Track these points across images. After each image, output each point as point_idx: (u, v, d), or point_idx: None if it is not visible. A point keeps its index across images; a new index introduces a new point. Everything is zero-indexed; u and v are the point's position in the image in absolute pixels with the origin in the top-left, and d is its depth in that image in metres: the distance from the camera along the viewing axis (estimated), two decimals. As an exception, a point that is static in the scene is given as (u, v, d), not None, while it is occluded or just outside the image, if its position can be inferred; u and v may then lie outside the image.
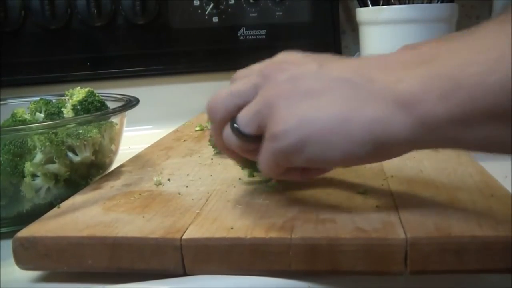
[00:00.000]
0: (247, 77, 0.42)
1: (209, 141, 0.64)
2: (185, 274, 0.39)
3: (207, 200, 0.47)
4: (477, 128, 0.32)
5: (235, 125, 0.40)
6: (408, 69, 0.35)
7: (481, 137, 0.32)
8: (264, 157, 0.39)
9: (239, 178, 0.53)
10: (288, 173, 0.42)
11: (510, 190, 0.44)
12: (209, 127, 0.64)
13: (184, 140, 0.73)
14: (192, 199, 0.47)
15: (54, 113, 0.62)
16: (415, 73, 0.34)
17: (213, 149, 0.64)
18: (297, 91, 0.37)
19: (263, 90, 0.39)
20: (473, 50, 0.33)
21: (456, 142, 0.34)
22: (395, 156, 0.37)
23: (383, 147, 0.35)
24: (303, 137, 0.36)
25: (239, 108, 0.41)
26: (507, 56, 0.30)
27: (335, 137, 0.36)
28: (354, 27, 1.04)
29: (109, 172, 0.59)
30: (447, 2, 0.89)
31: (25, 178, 0.49)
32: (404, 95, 0.34)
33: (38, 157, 0.49)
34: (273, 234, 0.38)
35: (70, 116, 0.60)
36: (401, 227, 0.38)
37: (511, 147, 0.32)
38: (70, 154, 0.53)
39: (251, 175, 0.53)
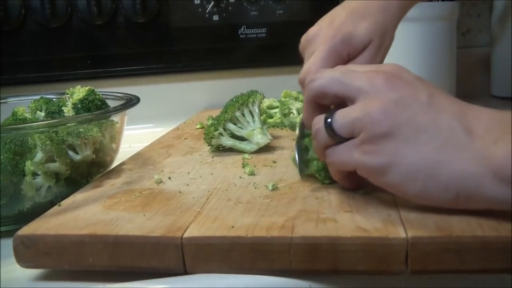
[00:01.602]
0: (354, 72, 0.42)
1: (204, 139, 0.64)
2: (185, 272, 0.39)
3: (208, 198, 0.47)
4: None
5: (329, 120, 0.41)
6: (509, 132, 0.35)
7: None
8: (341, 157, 0.41)
9: (240, 177, 0.53)
10: (347, 179, 0.45)
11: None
12: (209, 124, 0.64)
13: (185, 138, 0.73)
14: (193, 198, 0.47)
15: (54, 112, 0.62)
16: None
17: (209, 147, 0.64)
18: (403, 117, 0.38)
19: (369, 100, 0.39)
20: None
21: None
22: (471, 208, 0.38)
23: (465, 200, 0.37)
24: (392, 163, 0.38)
25: (335, 96, 0.42)
26: None
27: (421, 176, 0.37)
28: (354, 26, 1.04)
29: (110, 170, 0.59)
30: (448, 0, 0.89)
31: (25, 177, 0.49)
32: (500, 161, 0.35)
33: (39, 155, 0.49)
34: (274, 233, 0.38)
35: (71, 114, 0.60)
36: (402, 227, 0.38)
37: None
38: (71, 153, 0.53)
39: (252, 173, 0.53)
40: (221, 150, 0.64)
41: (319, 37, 0.55)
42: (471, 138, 0.37)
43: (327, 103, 0.44)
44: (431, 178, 0.37)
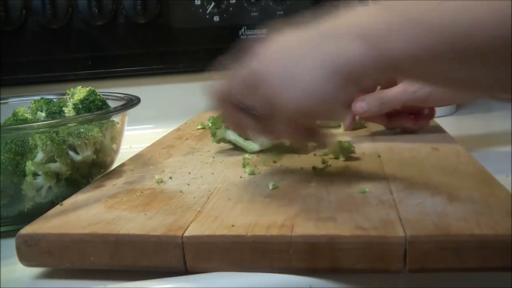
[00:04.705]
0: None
1: (210, 128, 0.64)
2: (186, 271, 0.39)
3: (208, 198, 0.47)
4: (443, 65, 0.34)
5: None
6: (375, 16, 0.36)
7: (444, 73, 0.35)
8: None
9: (240, 177, 0.53)
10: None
11: (510, 189, 0.45)
12: (210, 124, 0.65)
13: (186, 139, 0.73)
14: (194, 197, 0.47)
15: (55, 112, 0.62)
16: (382, 16, 0.35)
17: (212, 138, 0.65)
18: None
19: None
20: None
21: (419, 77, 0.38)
22: (363, 85, 0.42)
23: (349, 78, 0.37)
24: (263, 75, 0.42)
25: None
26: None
27: (289, 78, 0.40)
28: (354, 26, 1.04)
29: (111, 171, 0.59)
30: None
31: (26, 177, 0.49)
32: (368, 30, 0.35)
33: (39, 156, 0.50)
34: (273, 232, 0.38)
35: (71, 115, 0.60)
36: (400, 226, 0.38)
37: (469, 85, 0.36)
38: (71, 153, 0.53)
39: (252, 173, 0.53)
40: (222, 150, 0.64)
41: None
42: (335, 22, 0.39)
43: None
44: (305, 76, 0.38)
